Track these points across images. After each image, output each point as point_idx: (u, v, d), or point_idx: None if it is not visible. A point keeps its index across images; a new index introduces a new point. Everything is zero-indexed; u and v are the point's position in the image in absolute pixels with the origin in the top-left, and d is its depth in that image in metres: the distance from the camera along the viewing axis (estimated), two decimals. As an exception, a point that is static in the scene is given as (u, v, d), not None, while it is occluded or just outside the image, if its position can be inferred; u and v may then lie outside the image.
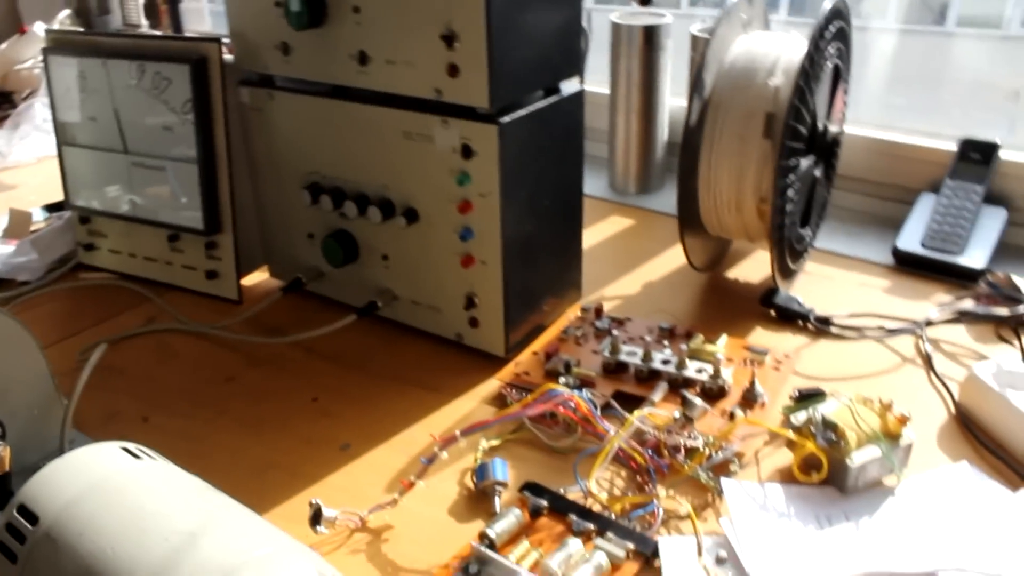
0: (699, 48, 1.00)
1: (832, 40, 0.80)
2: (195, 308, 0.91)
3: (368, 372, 0.79)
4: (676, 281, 0.92)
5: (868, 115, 1.05)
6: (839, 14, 0.82)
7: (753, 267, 0.94)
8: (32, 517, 0.44)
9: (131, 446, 0.49)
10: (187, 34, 1.67)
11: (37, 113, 1.35)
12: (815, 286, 0.89)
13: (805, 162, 0.80)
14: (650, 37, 1.04)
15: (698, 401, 0.66)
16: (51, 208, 1.09)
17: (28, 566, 0.43)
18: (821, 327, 0.81)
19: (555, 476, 0.64)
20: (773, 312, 0.83)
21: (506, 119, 0.70)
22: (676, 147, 1.12)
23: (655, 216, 1.08)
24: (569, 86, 0.78)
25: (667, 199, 1.10)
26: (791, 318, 0.82)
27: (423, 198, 0.76)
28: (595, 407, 0.66)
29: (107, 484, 0.45)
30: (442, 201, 0.74)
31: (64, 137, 0.95)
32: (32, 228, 1.06)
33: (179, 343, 0.86)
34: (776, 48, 0.82)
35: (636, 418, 0.64)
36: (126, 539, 0.41)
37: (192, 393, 0.78)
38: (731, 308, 0.86)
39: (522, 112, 0.72)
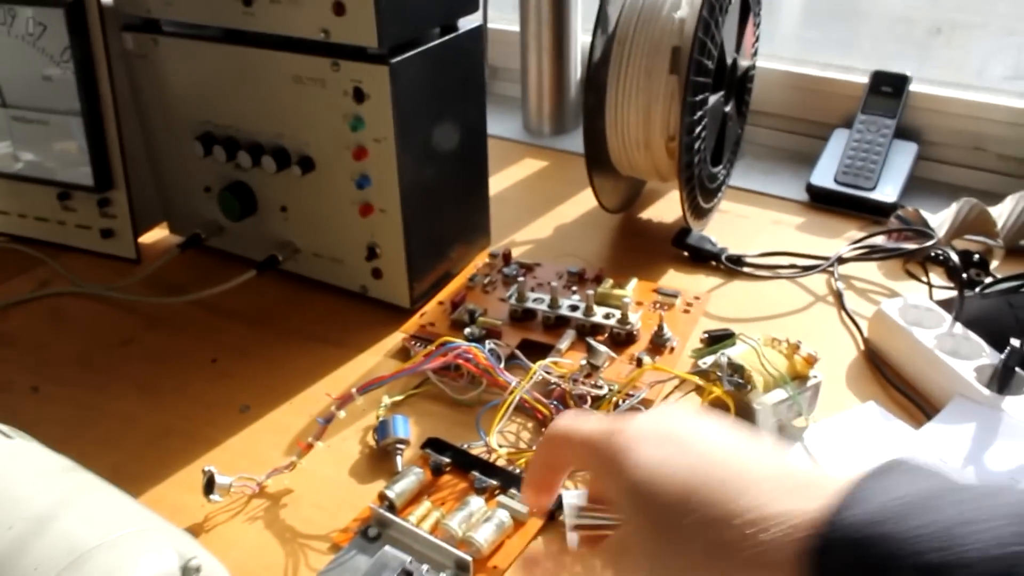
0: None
1: (739, -30, 0.78)
2: (92, 270, 0.87)
3: (270, 329, 0.76)
4: (589, 224, 0.90)
5: (783, 49, 1.03)
6: (746, -57, 0.79)
7: (668, 207, 0.92)
8: None
9: (-12, 424, 0.46)
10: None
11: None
12: (729, 225, 0.88)
13: (713, 98, 0.78)
14: (559, -28, 1.01)
15: (602, 348, 0.64)
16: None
17: None
18: (733, 267, 0.79)
19: (461, 431, 0.63)
20: (686, 253, 0.82)
21: (397, 59, 0.66)
22: (591, 86, 1.10)
23: (570, 157, 1.05)
24: (467, 21, 0.74)
25: (581, 139, 1.08)
26: (704, 259, 0.81)
27: (317, 146, 0.73)
28: (497, 358, 0.64)
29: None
30: (337, 148, 0.71)
31: (-63, 92, 0.89)
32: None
33: (73, 307, 0.82)
34: (683, -20, 0.79)
35: (539, 368, 0.63)
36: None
37: (86, 359, 0.75)
38: (644, 250, 0.84)
39: (415, 51, 0.68)
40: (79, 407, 0.69)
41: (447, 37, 0.72)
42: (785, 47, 1.04)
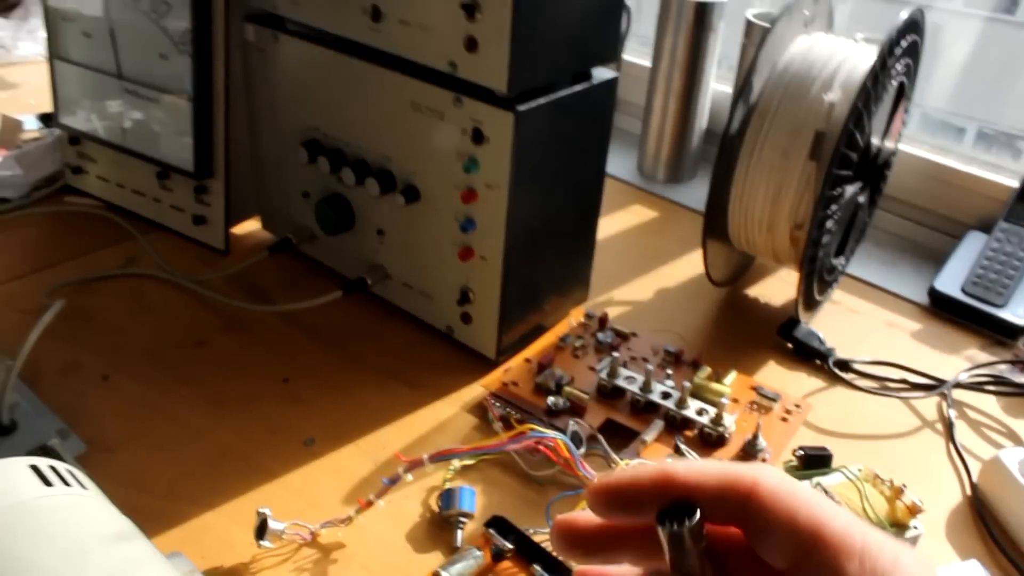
0: (753, 36, 0.91)
1: (902, 56, 0.72)
2: (179, 252, 0.85)
3: (347, 354, 0.74)
4: (692, 292, 0.85)
5: (923, 134, 0.96)
6: (914, 26, 0.73)
7: (775, 287, 0.87)
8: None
9: (44, 465, 0.43)
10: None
11: (47, 7, 1.27)
12: (840, 319, 0.82)
13: (851, 189, 0.72)
14: (701, 15, 0.95)
15: (691, 455, 0.60)
16: (45, 118, 1.03)
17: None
18: (839, 373, 0.74)
19: (528, 509, 0.59)
20: (790, 345, 0.77)
21: (524, 106, 0.62)
22: (714, 137, 1.05)
23: (681, 211, 1.00)
24: (602, 72, 0.70)
25: (696, 192, 1.03)
26: (809, 356, 0.76)
27: (426, 177, 0.69)
28: (578, 442, 0.60)
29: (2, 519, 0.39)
30: (446, 185, 0.68)
31: (55, 50, 0.88)
32: (24, 137, 1.00)
33: (155, 292, 0.81)
34: (838, 56, 0.73)
35: (622, 467, 0.59)
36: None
37: (158, 354, 0.73)
38: (746, 332, 0.79)
39: (544, 99, 0.64)
40: (145, 406, 0.67)
41: (578, 87, 0.67)
42: (927, 132, 0.97)
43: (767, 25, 0.89)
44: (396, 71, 0.68)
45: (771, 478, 0.30)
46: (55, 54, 0.88)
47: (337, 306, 0.76)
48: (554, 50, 0.64)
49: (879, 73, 0.68)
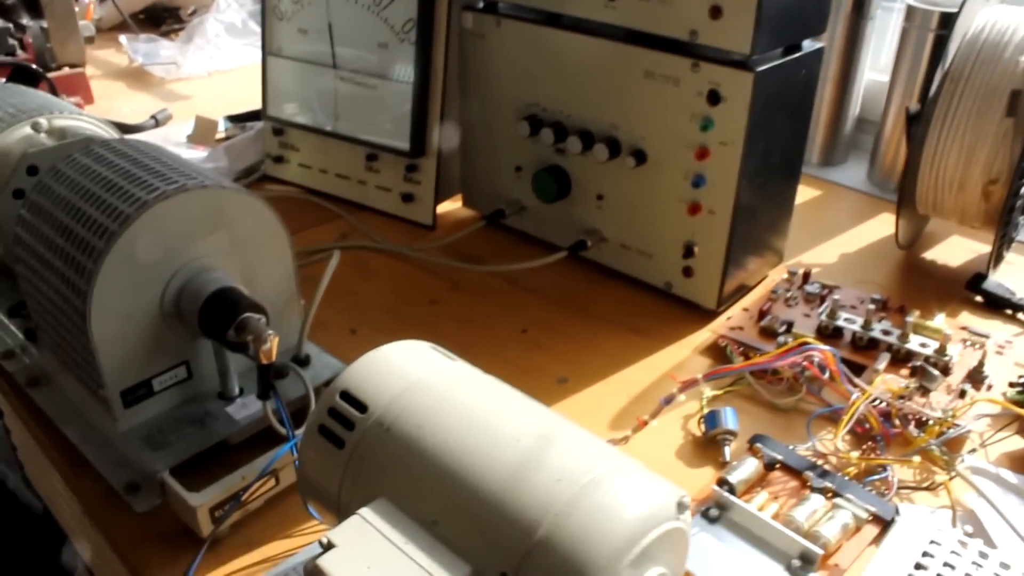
0: (914, 19, 0.97)
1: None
2: (385, 230, 0.92)
3: (574, 309, 0.79)
4: (873, 255, 0.90)
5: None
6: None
7: (947, 250, 0.92)
8: (359, 405, 0.45)
9: (438, 348, 0.49)
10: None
11: (209, 28, 1.37)
12: (1015, 275, 0.87)
13: (1044, 145, 0.78)
14: (860, 5, 1.02)
15: (937, 373, 0.65)
16: (234, 119, 1.10)
17: (357, 452, 0.43)
18: (1038, 319, 0.79)
19: (777, 432, 0.64)
20: (979, 298, 0.82)
21: (762, 68, 0.69)
22: (866, 123, 1.11)
23: (840, 189, 1.06)
24: (810, 42, 0.76)
25: (849, 174, 1.08)
26: (1000, 306, 0.81)
27: (656, 141, 0.75)
28: (822, 371, 0.66)
29: (432, 380, 0.45)
30: (677, 146, 0.74)
31: (271, 47, 0.96)
32: (216, 137, 1.08)
33: (376, 262, 0.87)
34: None
35: (880, 384, 0.64)
36: (473, 437, 0.41)
37: (396, 311, 0.79)
38: (934, 289, 0.84)
39: (774, 62, 0.70)
40: (397, 354, 0.73)
41: (797, 54, 0.74)
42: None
43: (929, 8, 0.96)
44: (627, 43, 0.74)
45: None
46: (269, 51, 0.96)
47: (553, 269, 0.82)
48: (785, 18, 0.70)
49: (1066, 38, 0.74)
